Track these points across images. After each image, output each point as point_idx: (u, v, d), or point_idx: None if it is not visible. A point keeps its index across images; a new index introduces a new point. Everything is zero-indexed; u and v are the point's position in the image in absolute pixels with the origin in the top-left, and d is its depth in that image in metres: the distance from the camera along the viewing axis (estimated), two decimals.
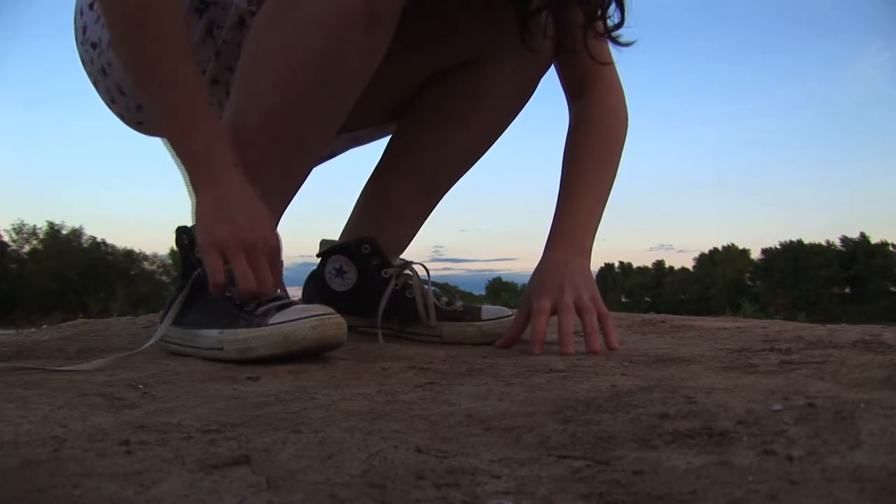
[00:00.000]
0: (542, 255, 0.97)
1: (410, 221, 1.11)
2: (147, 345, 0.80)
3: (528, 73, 1.04)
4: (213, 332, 0.79)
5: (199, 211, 0.79)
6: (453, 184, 1.11)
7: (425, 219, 1.12)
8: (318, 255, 1.07)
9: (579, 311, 0.89)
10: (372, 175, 1.10)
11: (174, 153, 0.81)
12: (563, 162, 1.02)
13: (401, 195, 1.08)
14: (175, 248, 0.88)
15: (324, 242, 1.07)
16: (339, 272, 1.03)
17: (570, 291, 0.90)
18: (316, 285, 1.06)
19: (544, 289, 0.91)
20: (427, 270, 1.03)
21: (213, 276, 0.78)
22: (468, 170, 1.10)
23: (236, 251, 0.77)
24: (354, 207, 1.12)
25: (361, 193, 1.11)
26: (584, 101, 1.04)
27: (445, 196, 1.12)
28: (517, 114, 1.08)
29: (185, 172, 0.81)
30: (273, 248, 0.79)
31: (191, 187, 0.81)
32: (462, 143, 1.07)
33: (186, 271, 0.85)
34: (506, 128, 1.09)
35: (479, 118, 1.06)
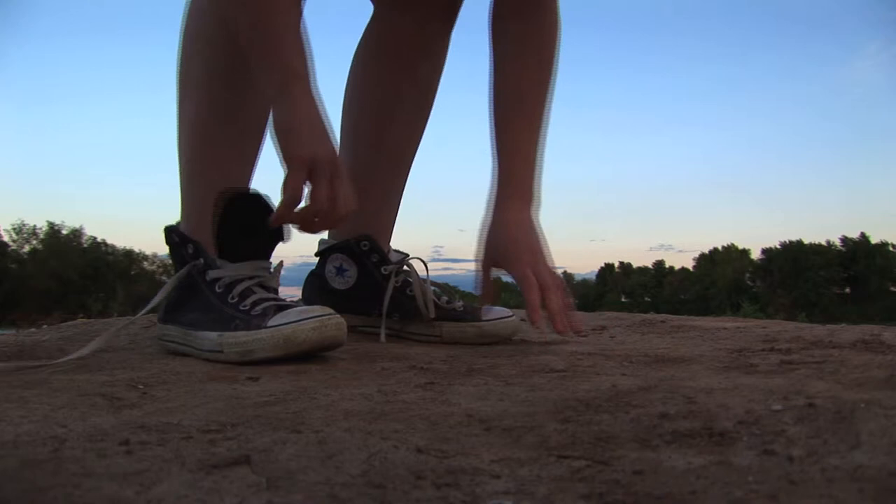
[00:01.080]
0: (497, 203, 0.94)
1: (386, 196, 1.09)
2: (139, 315, 0.80)
3: (437, 27, 1.03)
4: (212, 335, 0.79)
5: (287, 121, 0.75)
6: (415, 148, 1.09)
7: (401, 191, 1.10)
8: (316, 255, 1.07)
9: (547, 287, 0.89)
10: None
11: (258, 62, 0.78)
12: (500, 89, 0.98)
13: (368, 170, 1.06)
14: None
15: (322, 242, 1.07)
16: (340, 271, 1.03)
17: (543, 262, 0.90)
18: (316, 284, 1.06)
19: (520, 257, 0.90)
20: (425, 264, 1.03)
21: (294, 192, 0.74)
22: (424, 128, 1.09)
23: (323, 174, 0.74)
24: None
25: None
26: (525, 26, 0.98)
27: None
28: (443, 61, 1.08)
29: (266, 76, 0.78)
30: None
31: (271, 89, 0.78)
32: (407, 112, 1.06)
33: (181, 269, 0.86)
34: (439, 78, 1.08)
35: (411, 86, 1.05)
